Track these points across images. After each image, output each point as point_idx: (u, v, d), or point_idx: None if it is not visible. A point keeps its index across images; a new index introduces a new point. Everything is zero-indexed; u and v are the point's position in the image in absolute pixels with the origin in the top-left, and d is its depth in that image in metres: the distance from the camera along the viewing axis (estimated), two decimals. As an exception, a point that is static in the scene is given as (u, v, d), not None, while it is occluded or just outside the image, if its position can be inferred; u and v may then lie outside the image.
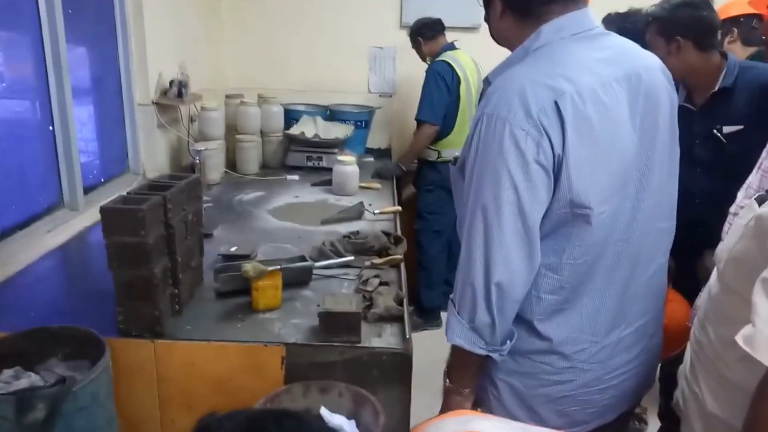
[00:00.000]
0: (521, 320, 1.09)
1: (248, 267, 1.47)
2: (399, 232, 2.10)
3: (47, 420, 1.08)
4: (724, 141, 1.84)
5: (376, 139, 3.82)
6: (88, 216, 2.09)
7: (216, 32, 3.59)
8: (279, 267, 1.52)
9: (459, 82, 3.10)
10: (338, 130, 3.23)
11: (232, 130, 3.03)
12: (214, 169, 2.77)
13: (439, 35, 3.24)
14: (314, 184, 2.84)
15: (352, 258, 1.79)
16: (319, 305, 1.42)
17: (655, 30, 1.89)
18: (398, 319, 1.50)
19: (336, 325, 1.37)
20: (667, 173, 1.13)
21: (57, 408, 1.09)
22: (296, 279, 1.65)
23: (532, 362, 1.11)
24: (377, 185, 2.87)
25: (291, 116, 3.27)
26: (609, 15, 2.32)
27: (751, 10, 2.41)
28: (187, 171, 2.56)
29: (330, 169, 2.80)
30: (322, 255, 1.83)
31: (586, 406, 1.14)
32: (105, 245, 1.30)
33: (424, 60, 3.31)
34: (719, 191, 1.65)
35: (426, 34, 3.23)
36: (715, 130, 1.85)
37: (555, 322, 1.08)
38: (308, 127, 3.16)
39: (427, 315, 3.41)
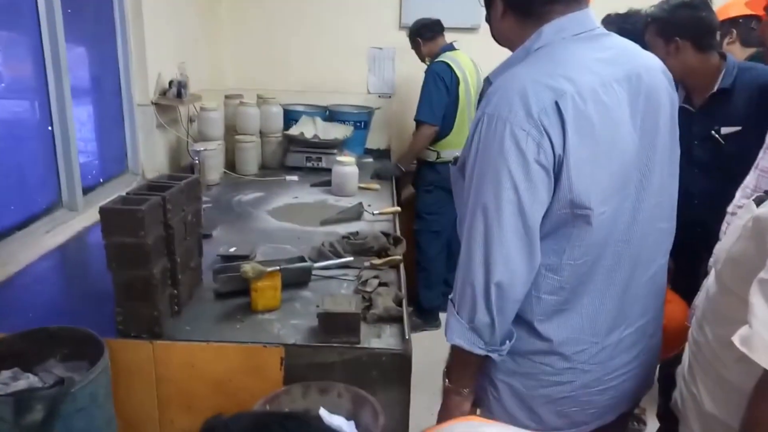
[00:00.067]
0: (521, 321, 1.09)
1: (247, 268, 1.47)
2: (398, 233, 2.10)
3: (46, 421, 1.08)
4: (722, 142, 1.84)
5: (375, 140, 3.82)
6: (87, 216, 2.09)
7: (215, 32, 3.59)
8: (278, 268, 1.52)
9: (458, 83, 3.10)
10: (337, 131, 3.23)
11: (231, 131, 3.03)
12: (214, 170, 2.76)
13: (438, 36, 3.25)
14: (313, 185, 2.84)
15: (351, 259, 1.79)
16: (318, 306, 1.42)
17: (654, 31, 1.89)
18: (397, 319, 1.50)
19: (335, 325, 1.37)
20: (667, 174, 1.13)
21: (55, 409, 1.08)
22: (295, 280, 1.65)
23: (532, 363, 1.11)
24: (376, 186, 2.87)
25: (290, 117, 3.27)
26: (608, 16, 2.33)
27: (750, 11, 2.41)
28: (186, 171, 2.56)
29: (329, 170, 2.80)
30: (321, 256, 1.83)
31: (586, 407, 1.14)
32: (104, 246, 1.30)
33: (423, 61, 3.32)
34: (718, 192, 1.65)
35: (425, 34, 3.23)
36: (713, 131, 1.86)
37: (555, 322, 1.08)
38: (307, 128, 3.16)
39: (426, 315, 3.41)
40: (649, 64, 1.10)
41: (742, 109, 1.82)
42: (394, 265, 1.82)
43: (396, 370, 1.37)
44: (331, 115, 3.47)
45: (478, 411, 1.19)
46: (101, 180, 2.37)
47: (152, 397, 1.40)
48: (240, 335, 1.41)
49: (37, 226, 1.91)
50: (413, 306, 3.32)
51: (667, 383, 1.36)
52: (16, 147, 1.86)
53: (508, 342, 1.08)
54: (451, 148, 3.14)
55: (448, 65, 3.09)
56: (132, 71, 2.50)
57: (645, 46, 1.26)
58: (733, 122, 1.83)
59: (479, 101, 1.12)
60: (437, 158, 3.21)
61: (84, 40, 2.25)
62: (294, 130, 3.13)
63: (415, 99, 3.18)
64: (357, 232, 1.99)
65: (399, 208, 2.44)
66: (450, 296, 1.10)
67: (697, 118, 1.89)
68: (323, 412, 1.22)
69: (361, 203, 2.40)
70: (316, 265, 1.71)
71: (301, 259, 1.73)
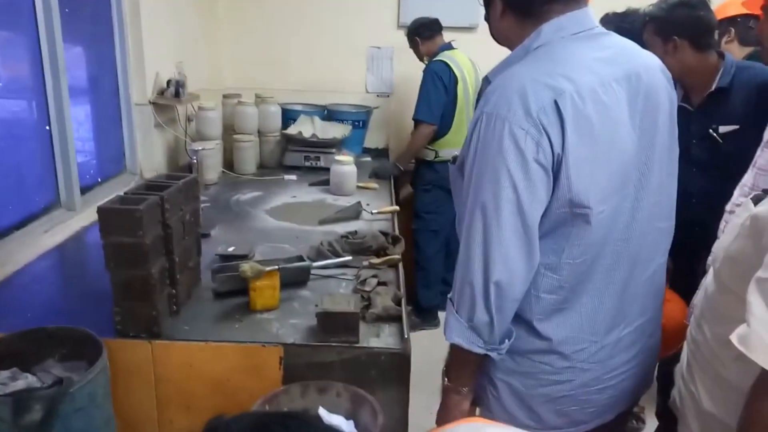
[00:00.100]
0: (520, 320, 1.09)
1: (246, 267, 1.46)
2: (397, 232, 2.10)
3: (44, 421, 1.07)
4: (720, 141, 1.84)
5: (373, 139, 3.82)
6: (85, 216, 2.09)
7: (213, 32, 3.59)
8: (277, 267, 1.52)
9: (456, 82, 3.10)
10: (336, 130, 3.23)
11: (229, 130, 3.03)
12: (212, 169, 2.76)
13: (436, 35, 3.24)
14: (312, 184, 2.84)
15: (349, 258, 1.79)
16: (317, 305, 1.42)
17: (653, 30, 1.89)
18: (396, 319, 1.49)
19: (334, 325, 1.37)
20: (666, 173, 1.13)
21: (54, 409, 1.08)
22: (294, 279, 1.65)
23: (532, 362, 1.11)
24: (375, 185, 2.87)
25: (288, 116, 3.27)
26: (607, 15, 2.33)
27: (748, 11, 2.41)
28: (184, 171, 2.56)
29: (327, 169, 2.80)
30: (319, 255, 1.83)
31: (585, 405, 1.15)
32: (102, 245, 1.29)
33: (421, 60, 3.32)
34: (716, 191, 1.66)
35: (423, 33, 3.23)
36: (711, 130, 1.86)
37: (554, 321, 1.08)
38: (306, 127, 3.16)
39: (425, 315, 3.41)
40: (648, 64, 1.10)
41: (740, 107, 1.82)
42: (393, 265, 1.82)
43: (395, 369, 1.37)
44: (329, 114, 3.47)
45: (478, 410, 1.19)
46: (99, 180, 2.37)
47: (151, 396, 1.39)
48: (239, 335, 1.41)
49: (35, 226, 1.90)
50: (412, 305, 3.32)
51: (666, 382, 1.36)
52: (13, 147, 1.86)
53: (507, 341, 1.08)
54: (449, 147, 3.14)
55: (447, 64, 3.09)
56: (130, 71, 2.50)
57: (643, 45, 1.26)
58: (731, 121, 1.83)
59: (478, 100, 1.12)
60: (436, 157, 3.21)
61: (82, 39, 2.25)
62: (292, 130, 3.12)
63: (413, 98, 3.18)
64: (356, 232, 1.99)
65: (397, 207, 2.44)
66: (449, 295, 1.10)
67: (695, 117, 1.89)
68: (322, 412, 1.22)
69: (359, 202, 2.40)
70: (315, 264, 1.71)
71: (300, 259, 1.73)
